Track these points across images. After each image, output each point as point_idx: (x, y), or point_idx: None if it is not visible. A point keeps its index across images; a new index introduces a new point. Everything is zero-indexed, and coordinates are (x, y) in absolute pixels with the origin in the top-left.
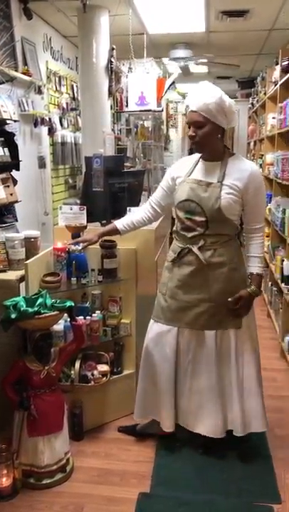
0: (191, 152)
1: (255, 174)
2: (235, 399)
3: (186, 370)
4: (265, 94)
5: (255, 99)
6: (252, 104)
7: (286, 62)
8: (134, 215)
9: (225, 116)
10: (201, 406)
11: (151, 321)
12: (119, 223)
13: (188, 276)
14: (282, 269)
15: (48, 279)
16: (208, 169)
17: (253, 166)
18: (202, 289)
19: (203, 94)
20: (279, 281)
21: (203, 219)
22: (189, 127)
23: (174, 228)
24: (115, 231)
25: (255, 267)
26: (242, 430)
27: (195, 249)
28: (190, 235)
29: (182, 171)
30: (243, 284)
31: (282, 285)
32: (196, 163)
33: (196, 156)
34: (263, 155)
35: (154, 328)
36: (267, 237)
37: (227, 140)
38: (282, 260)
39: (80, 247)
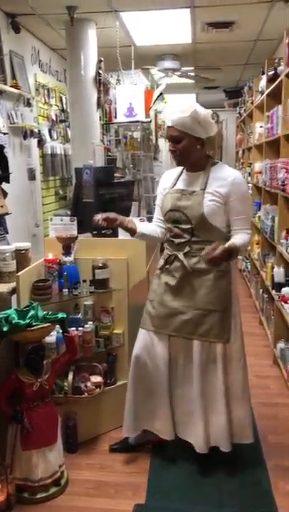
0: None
1: (237, 181)
2: (220, 412)
3: (176, 378)
4: (252, 103)
5: (243, 109)
6: (239, 113)
7: (272, 72)
8: (154, 226)
9: (201, 127)
10: (189, 415)
11: (140, 329)
12: (141, 227)
13: (175, 284)
14: (272, 276)
15: (39, 284)
16: (192, 179)
17: (236, 174)
18: (189, 296)
19: (178, 110)
20: (270, 288)
21: (188, 226)
22: (169, 142)
23: (166, 237)
24: (133, 230)
25: (237, 239)
26: (227, 446)
27: (180, 255)
28: (177, 241)
29: (168, 182)
30: (229, 293)
31: (273, 292)
32: (180, 175)
33: (178, 168)
34: (251, 163)
35: (144, 337)
36: (257, 244)
37: (215, 149)
38: (273, 267)
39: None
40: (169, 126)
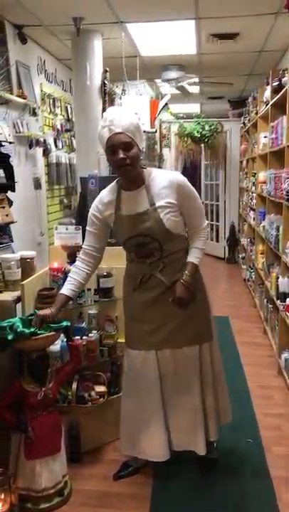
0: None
1: (180, 183)
2: (211, 408)
3: (170, 391)
4: (256, 113)
5: (247, 119)
6: (244, 123)
7: (276, 83)
8: (76, 274)
9: (141, 136)
10: (188, 423)
11: (126, 349)
12: (67, 291)
13: (153, 299)
14: (277, 286)
15: (44, 293)
16: (135, 199)
17: (175, 176)
18: (169, 307)
19: (126, 116)
20: (274, 298)
21: (156, 244)
22: (113, 153)
23: (128, 256)
24: (68, 299)
25: (192, 257)
26: (215, 434)
27: (157, 274)
28: (149, 261)
29: (107, 208)
30: (203, 288)
31: (278, 302)
32: (118, 196)
33: (111, 189)
34: (255, 173)
35: (132, 356)
36: (261, 254)
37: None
38: (277, 277)
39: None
40: (117, 133)
